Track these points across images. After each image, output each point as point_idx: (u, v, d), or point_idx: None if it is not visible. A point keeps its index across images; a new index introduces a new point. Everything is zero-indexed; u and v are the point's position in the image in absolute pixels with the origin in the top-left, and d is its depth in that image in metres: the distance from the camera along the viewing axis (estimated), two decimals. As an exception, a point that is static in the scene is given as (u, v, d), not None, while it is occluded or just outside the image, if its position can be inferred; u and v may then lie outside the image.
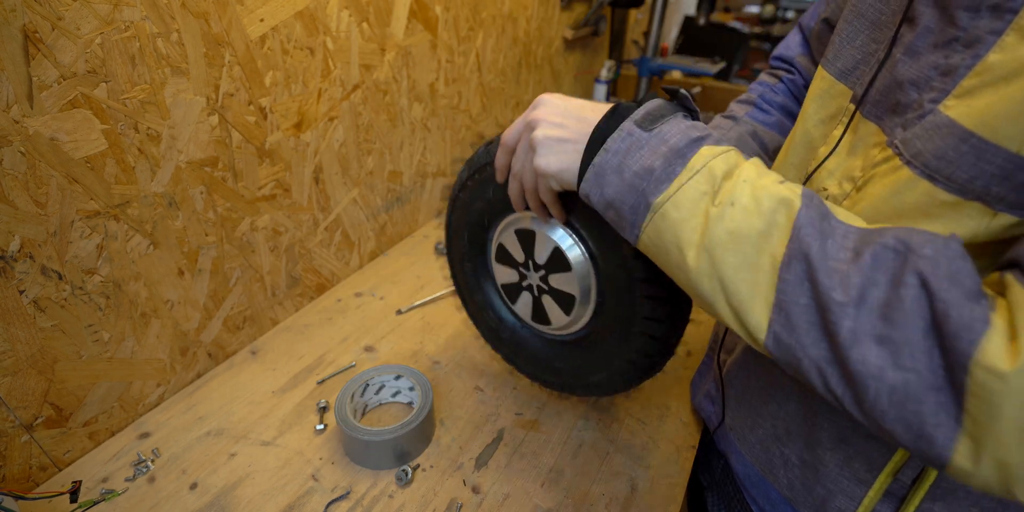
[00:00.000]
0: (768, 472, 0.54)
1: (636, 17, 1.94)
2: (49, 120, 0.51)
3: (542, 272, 0.59)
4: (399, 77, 0.93)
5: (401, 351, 0.81)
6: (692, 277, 0.37)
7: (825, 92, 0.46)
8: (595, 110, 0.44)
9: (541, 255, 0.58)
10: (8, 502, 0.53)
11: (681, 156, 0.38)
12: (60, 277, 0.56)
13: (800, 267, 0.32)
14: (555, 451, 0.65)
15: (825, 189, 0.43)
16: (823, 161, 0.44)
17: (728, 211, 0.35)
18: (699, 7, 1.97)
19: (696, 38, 2.24)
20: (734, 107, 0.67)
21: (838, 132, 0.44)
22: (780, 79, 0.66)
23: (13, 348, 0.54)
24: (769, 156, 0.65)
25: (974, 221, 0.32)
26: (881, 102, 0.39)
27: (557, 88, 1.62)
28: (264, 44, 0.68)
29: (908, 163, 0.34)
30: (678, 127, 0.39)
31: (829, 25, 0.57)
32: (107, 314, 0.61)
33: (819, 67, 0.48)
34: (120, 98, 0.55)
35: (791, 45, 0.66)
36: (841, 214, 0.34)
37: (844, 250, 0.31)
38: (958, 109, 0.32)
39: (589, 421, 0.70)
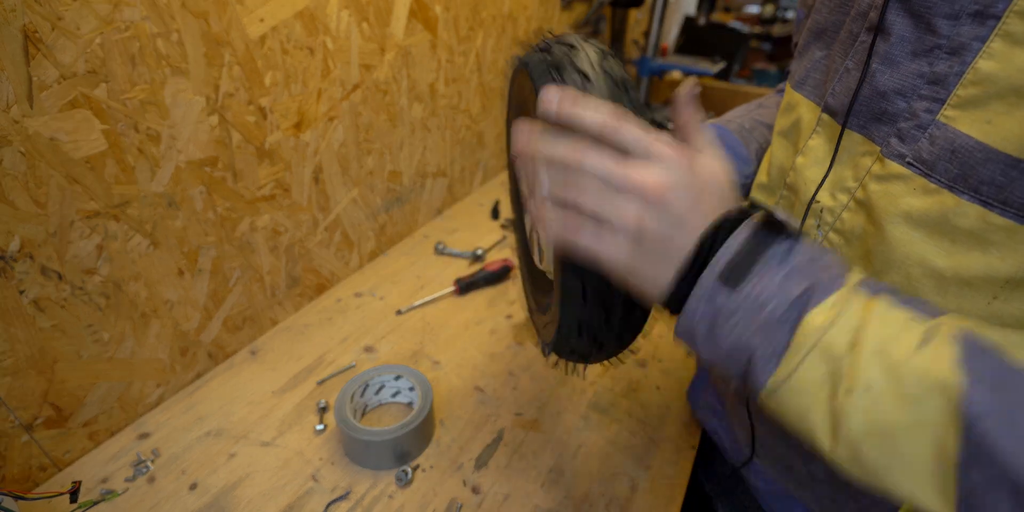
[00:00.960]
0: (794, 488, 0.52)
1: (636, 17, 1.94)
2: (49, 120, 0.51)
3: None
4: (399, 77, 0.93)
5: (401, 351, 0.81)
6: (832, 458, 0.30)
7: (787, 103, 0.48)
8: (705, 213, 0.32)
9: None
10: (8, 502, 0.53)
11: (783, 329, 0.30)
12: (60, 277, 0.56)
13: (991, 472, 0.24)
14: (555, 451, 0.65)
15: (818, 201, 0.42)
16: (825, 175, 0.42)
17: (862, 399, 0.27)
18: (699, 7, 1.97)
19: (696, 38, 2.24)
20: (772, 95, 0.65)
21: (814, 142, 0.43)
22: None
23: (13, 348, 0.54)
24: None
25: None
26: (862, 112, 0.38)
27: (557, 88, 1.62)
28: (264, 44, 0.68)
29: (950, 188, 0.32)
30: (772, 281, 0.30)
31: None
32: (107, 314, 0.61)
33: (787, 85, 0.50)
34: (120, 98, 0.55)
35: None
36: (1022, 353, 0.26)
37: None
38: (968, 123, 0.31)
39: (589, 421, 0.70)
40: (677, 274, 0.32)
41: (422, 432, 0.63)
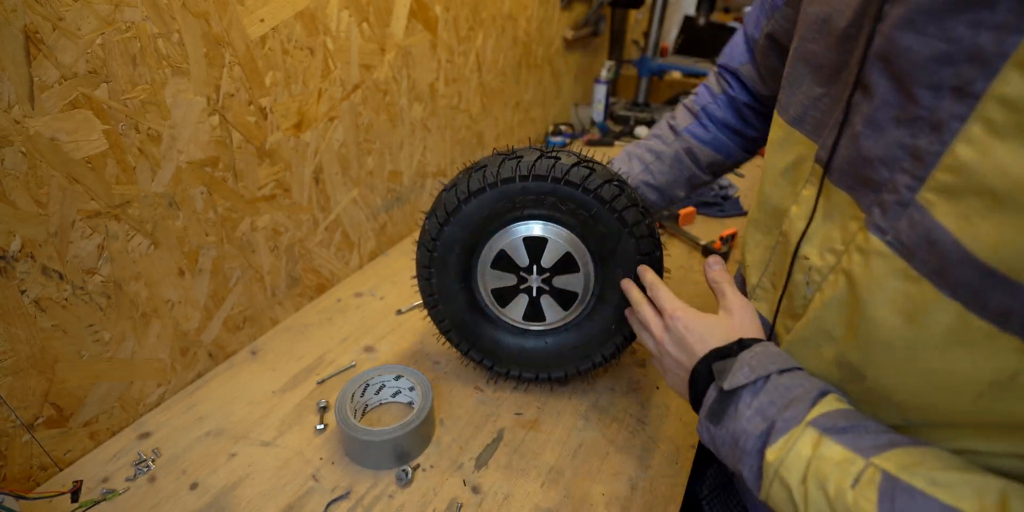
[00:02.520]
0: None
1: (636, 17, 1.94)
2: (50, 120, 0.51)
3: (546, 275, 0.65)
4: (399, 77, 0.93)
5: (401, 351, 0.81)
6: None
7: (784, 140, 0.46)
8: (693, 357, 0.48)
9: (548, 260, 0.64)
10: (9, 502, 0.53)
11: (754, 459, 0.39)
12: (61, 277, 0.56)
13: None
14: (555, 451, 0.65)
15: (807, 258, 0.41)
16: (805, 229, 0.42)
17: None
18: (699, 7, 1.97)
19: (696, 38, 2.23)
20: (679, 115, 0.71)
21: (809, 193, 0.42)
22: (723, 90, 0.67)
23: (14, 348, 0.54)
24: (702, 170, 0.69)
25: (1015, 357, 0.29)
26: (849, 173, 0.37)
27: (557, 88, 1.62)
28: (264, 44, 0.68)
29: (930, 279, 0.31)
30: (741, 421, 0.40)
31: (774, 41, 0.56)
32: (108, 314, 0.61)
33: (775, 113, 0.48)
34: (121, 98, 0.55)
35: (735, 54, 0.64)
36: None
37: None
38: (945, 213, 0.30)
39: (589, 421, 0.70)
40: (690, 399, 0.47)
41: (422, 432, 0.63)
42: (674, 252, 1.08)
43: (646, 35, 1.75)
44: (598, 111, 1.68)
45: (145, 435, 0.66)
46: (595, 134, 1.64)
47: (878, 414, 0.38)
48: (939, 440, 0.35)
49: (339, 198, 0.89)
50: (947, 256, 0.30)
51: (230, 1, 0.62)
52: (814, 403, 0.38)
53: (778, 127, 0.47)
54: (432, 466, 0.63)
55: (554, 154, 0.60)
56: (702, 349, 0.47)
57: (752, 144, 0.70)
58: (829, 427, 0.37)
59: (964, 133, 0.29)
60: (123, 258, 0.61)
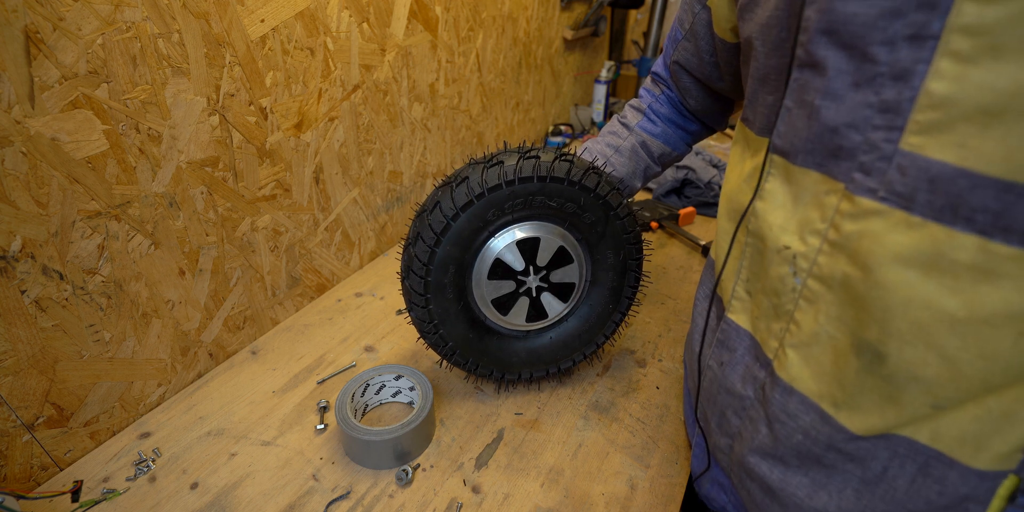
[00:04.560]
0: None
1: (636, 17, 1.94)
2: (50, 120, 0.51)
3: (543, 273, 0.65)
4: (399, 77, 0.93)
5: (401, 351, 0.81)
6: None
7: (753, 148, 0.47)
8: None
9: (543, 258, 0.64)
10: (10, 502, 0.53)
11: None
12: (61, 277, 0.56)
13: None
14: (555, 451, 0.66)
15: (788, 247, 0.40)
16: (776, 221, 0.42)
17: None
18: (699, 7, 1.98)
19: (696, 38, 2.24)
20: (628, 113, 0.77)
21: (771, 186, 0.41)
22: (662, 91, 0.74)
23: (14, 348, 0.54)
24: (654, 161, 0.76)
25: None
26: (814, 150, 0.37)
27: (557, 88, 1.62)
28: (265, 44, 0.68)
29: (936, 219, 0.31)
30: None
31: (682, 68, 0.66)
32: (108, 314, 0.61)
33: (739, 124, 0.50)
34: (121, 98, 0.55)
35: (661, 69, 0.73)
36: None
37: None
38: (938, 148, 0.30)
39: (589, 421, 0.70)
40: None
41: (422, 432, 0.64)
42: (674, 252, 1.08)
43: (646, 35, 1.75)
44: (598, 111, 1.68)
45: (145, 435, 0.66)
46: (595, 134, 1.65)
47: (905, 407, 0.35)
48: (977, 418, 0.33)
49: (339, 198, 0.89)
50: (955, 188, 0.30)
51: (230, 1, 0.62)
52: None
53: (746, 137, 0.49)
54: (432, 466, 0.63)
55: (533, 153, 0.60)
56: None
57: (694, 137, 0.77)
58: None
59: (934, 73, 0.29)
60: (123, 258, 0.61)
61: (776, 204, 0.41)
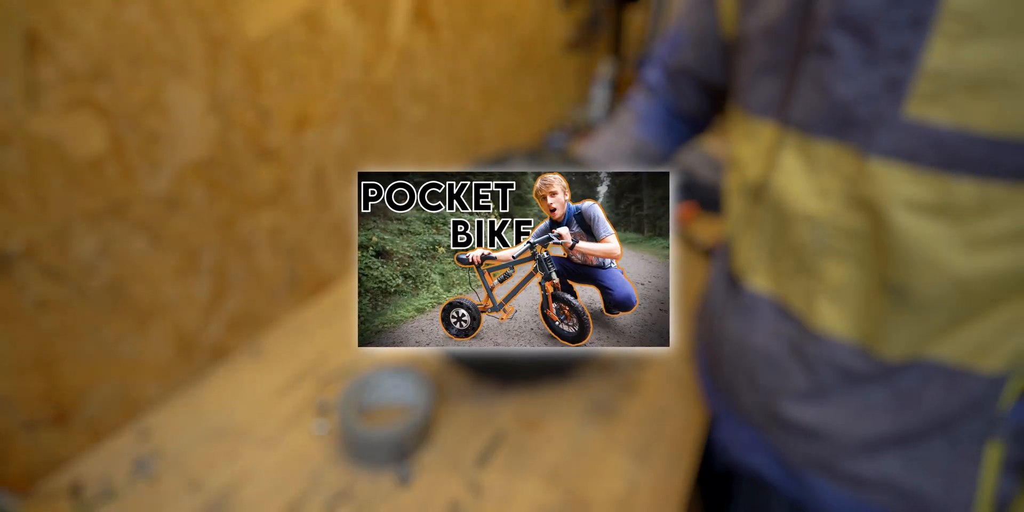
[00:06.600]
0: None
1: (635, 17, 1.94)
2: (50, 120, 0.51)
3: None
4: (399, 77, 0.93)
5: (401, 351, 0.81)
6: None
7: (746, 132, 0.51)
8: None
9: None
10: (9, 502, 0.53)
11: None
12: (61, 277, 0.56)
13: None
14: (555, 451, 0.66)
15: (808, 212, 0.44)
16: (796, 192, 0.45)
17: None
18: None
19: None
20: (624, 117, 0.78)
21: (787, 159, 0.45)
22: (655, 96, 0.76)
23: (15, 347, 0.54)
24: (656, 161, 0.76)
25: None
26: (830, 121, 0.41)
27: (557, 88, 1.62)
28: (265, 44, 0.68)
29: (940, 169, 0.36)
30: None
31: (684, 74, 0.67)
32: (108, 314, 0.61)
33: (735, 112, 0.53)
34: (121, 98, 0.55)
35: (651, 79, 0.74)
36: None
37: None
38: (937, 112, 0.35)
39: (589, 421, 0.70)
40: None
41: (422, 432, 0.64)
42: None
43: (645, 35, 1.75)
44: (597, 111, 1.68)
45: (145, 435, 0.66)
46: (594, 133, 1.64)
47: (932, 328, 0.41)
48: (990, 327, 0.39)
49: (339, 198, 0.89)
50: (953, 144, 0.35)
51: (230, 1, 0.62)
52: None
53: (741, 123, 0.52)
54: (432, 466, 0.63)
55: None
56: None
57: (684, 140, 0.78)
58: None
59: (930, 51, 0.35)
60: (123, 258, 0.61)
61: (793, 173, 0.45)
